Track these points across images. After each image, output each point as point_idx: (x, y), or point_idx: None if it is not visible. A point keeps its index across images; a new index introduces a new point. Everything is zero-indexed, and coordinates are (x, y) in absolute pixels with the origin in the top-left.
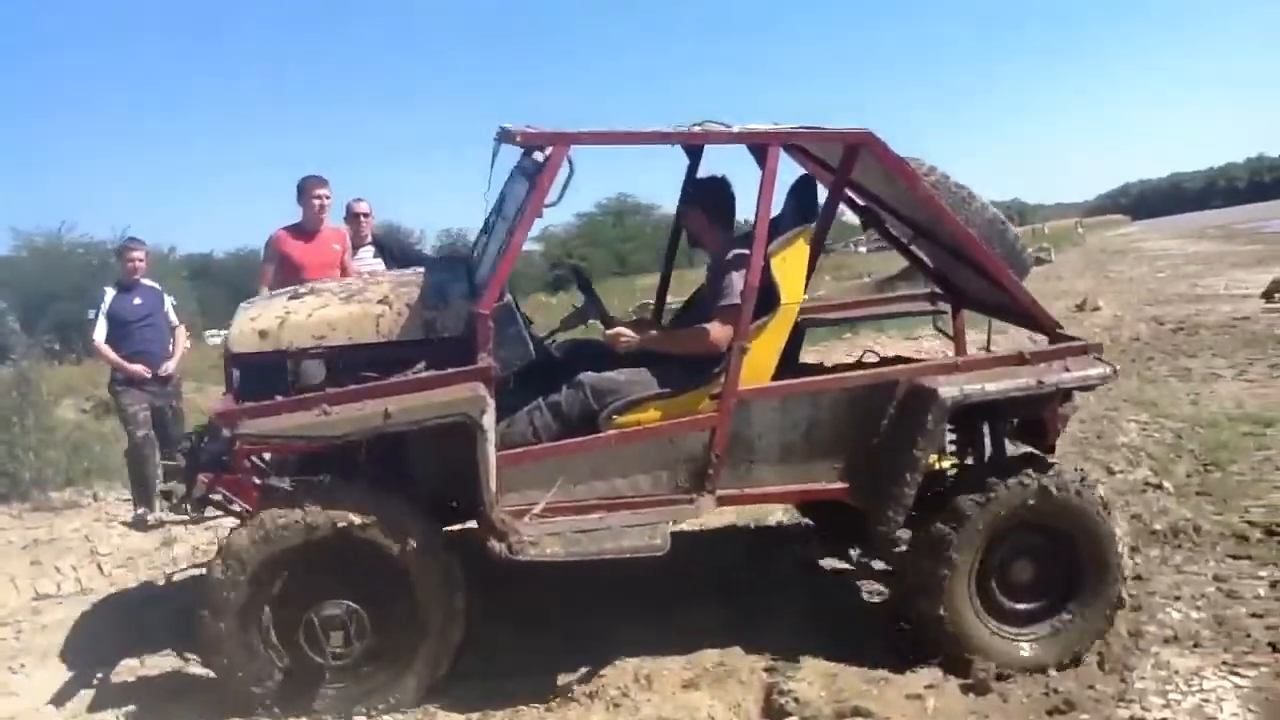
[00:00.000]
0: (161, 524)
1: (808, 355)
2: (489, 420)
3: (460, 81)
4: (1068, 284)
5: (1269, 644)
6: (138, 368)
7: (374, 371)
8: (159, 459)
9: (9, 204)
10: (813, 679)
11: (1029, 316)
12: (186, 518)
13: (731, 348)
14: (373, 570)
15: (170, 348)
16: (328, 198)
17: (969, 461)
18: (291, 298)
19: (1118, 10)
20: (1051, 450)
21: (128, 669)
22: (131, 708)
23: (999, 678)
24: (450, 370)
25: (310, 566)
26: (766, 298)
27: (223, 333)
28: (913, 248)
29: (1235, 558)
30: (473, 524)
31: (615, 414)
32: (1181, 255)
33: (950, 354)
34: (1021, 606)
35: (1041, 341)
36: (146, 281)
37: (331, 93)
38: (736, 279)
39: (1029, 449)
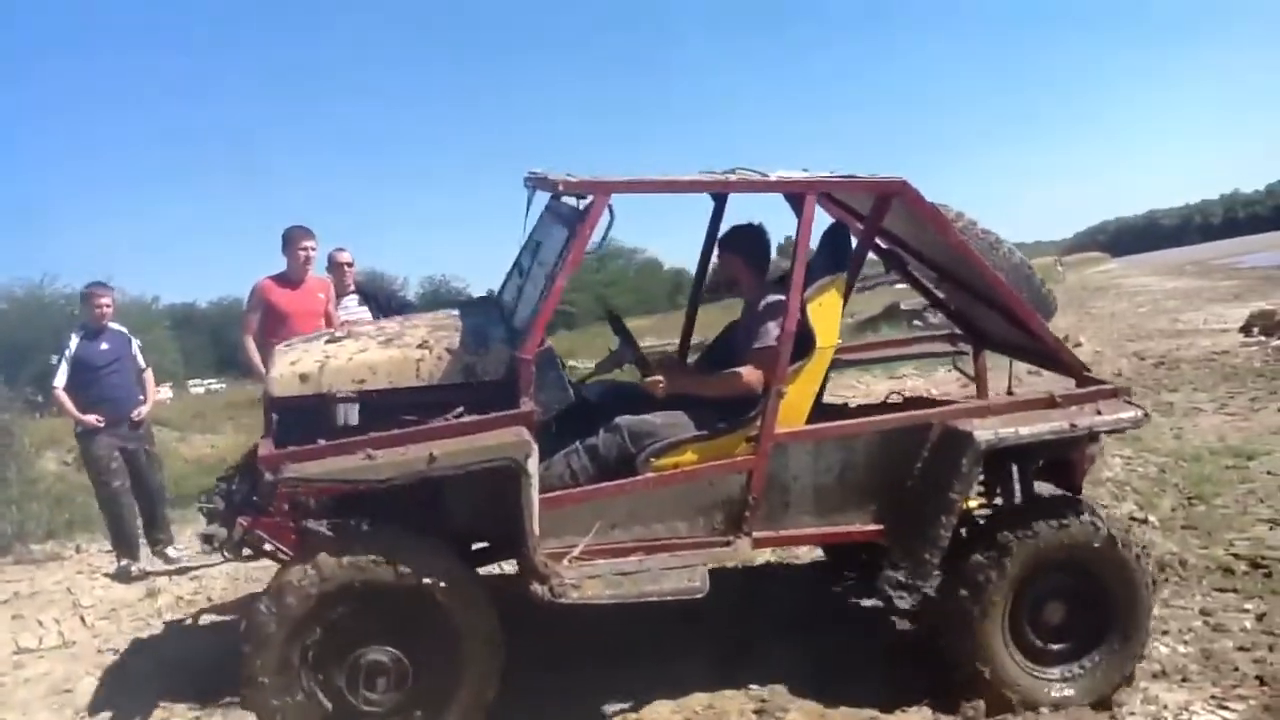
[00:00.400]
0: (145, 575)
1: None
2: (533, 465)
3: (436, 126)
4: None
5: (1256, 677)
6: (91, 417)
7: (411, 414)
8: (138, 507)
9: None
10: (802, 719)
11: (1055, 360)
12: (205, 562)
13: (767, 390)
14: (415, 617)
15: (138, 392)
16: (313, 249)
17: (999, 502)
18: (329, 341)
19: (1093, 51)
20: (1078, 491)
21: None
22: None
23: (988, 716)
24: (493, 415)
25: (353, 611)
26: (802, 342)
27: (205, 382)
28: (933, 290)
29: (1221, 590)
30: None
31: (653, 457)
32: (1160, 291)
33: (971, 394)
34: (1053, 647)
35: (1068, 384)
36: (114, 326)
37: (310, 141)
38: (772, 324)
39: (1057, 490)
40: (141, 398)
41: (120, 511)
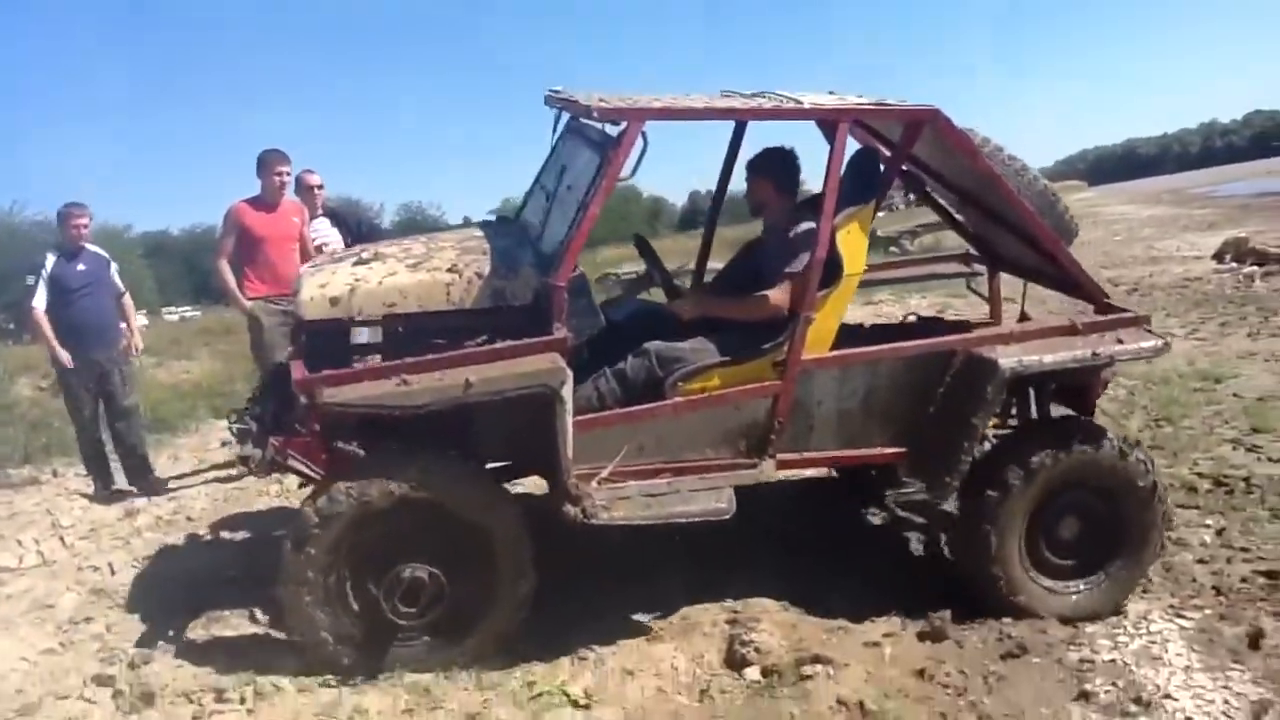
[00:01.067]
0: (121, 495)
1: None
2: (567, 391)
3: (414, 50)
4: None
5: (1213, 588)
6: (64, 355)
7: (439, 338)
8: (115, 429)
9: None
10: (773, 630)
11: (1076, 285)
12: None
13: (795, 316)
14: (451, 536)
15: (117, 316)
16: (288, 174)
17: (1016, 424)
18: (357, 263)
19: None
20: (1091, 413)
21: (91, 634)
22: (97, 671)
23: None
24: (527, 341)
25: (389, 528)
26: (830, 269)
27: (179, 309)
28: (952, 212)
29: (1184, 507)
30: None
31: (680, 381)
32: (1137, 219)
33: (984, 315)
34: (1068, 561)
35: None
36: (91, 247)
37: (284, 65)
38: (803, 249)
39: (1071, 412)
40: (123, 324)
41: (94, 436)
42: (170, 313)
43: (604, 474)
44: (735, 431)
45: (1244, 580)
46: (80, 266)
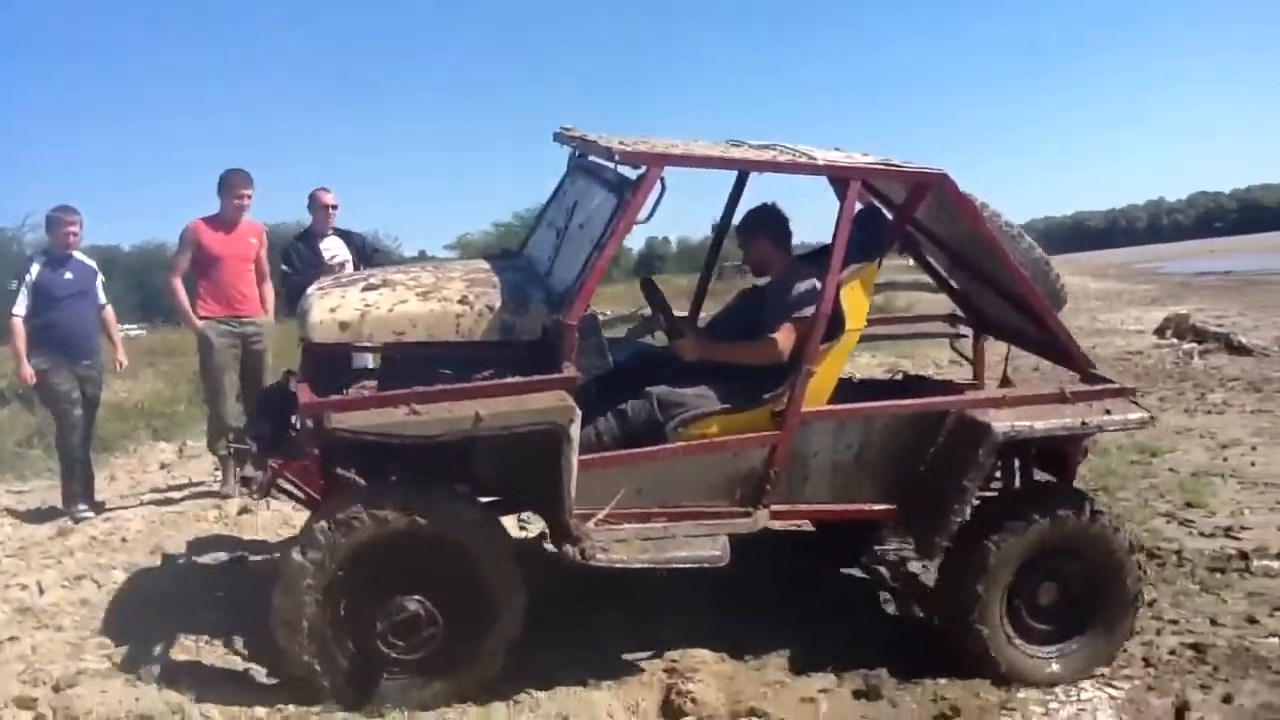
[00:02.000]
0: (84, 518)
1: None
2: (575, 430)
3: (372, 76)
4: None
5: (1143, 659)
6: (28, 371)
7: (444, 368)
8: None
9: None
10: (711, 681)
11: (1065, 354)
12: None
13: (796, 367)
14: (445, 568)
15: (97, 329)
16: (250, 197)
17: (1001, 488)
18: (366, 288)
19: (1022, 52)
20: (1071, 479)
21: (15, 654)
22: (19, 693)
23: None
24: (537, 378)
25: (383, 560)
26: (832, 323)
27: (125, 327)
28: (941, 272)
29: None
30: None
31: (681, 426)
32: (1083, 291)
33: (965, 375)
34: (1046, 627)
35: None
36: (79, 256)
37: (243, 89)
38: (804, 299)
39: (1051, 479)
40: (104, 338)
41: (74, 451)
42: (121, 330)
43: (601, 515)
44: (732, 479)
45: (1172, 652)
46: (67, 275)
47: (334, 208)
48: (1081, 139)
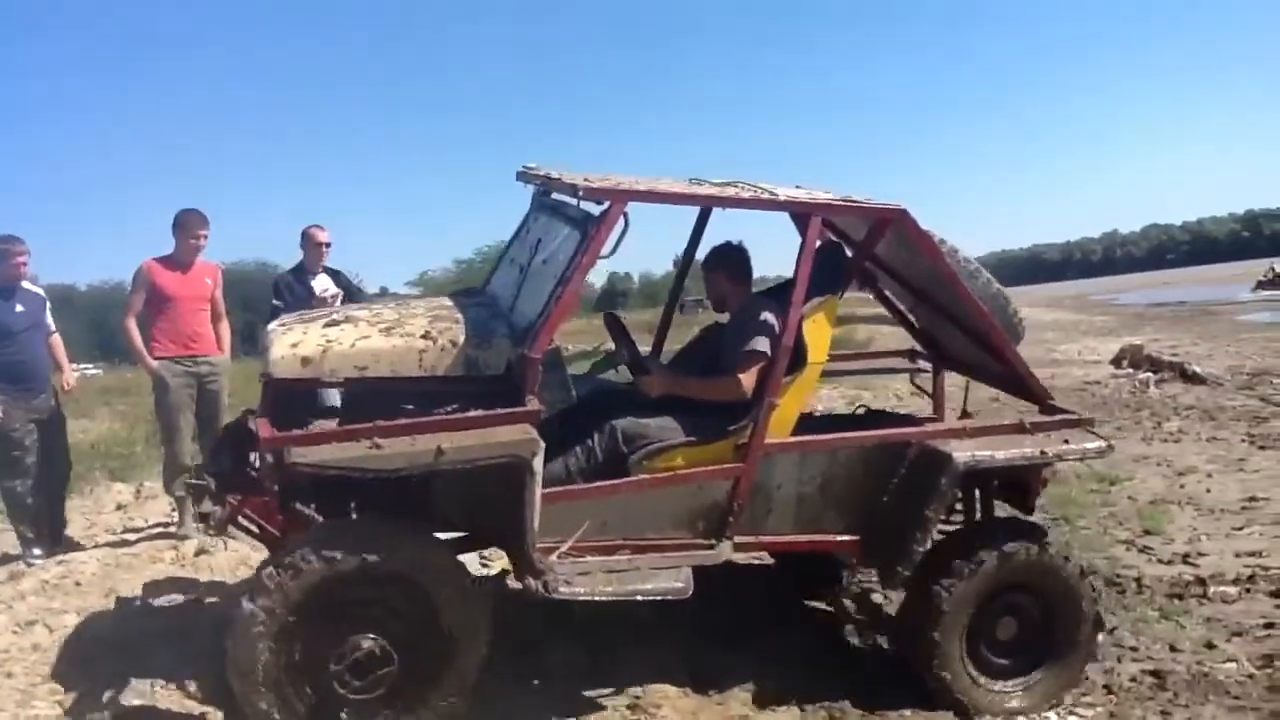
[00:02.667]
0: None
1: None
2: (539, 463)
3: (321, 109)
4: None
5: (1104, 686)
6: None
7: (406, 403)
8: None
9: None
10: (674, 716)
11: (1023, 387)
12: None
13: (760, 401)
14: (398, 605)
15: (49, 359)
16: (206, 238)
17: (962, 520)
18: (328, 324)
19: (980, 85)
20: (1031, 511)
21: None
22: None
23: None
24: (500, 411)
25: (337, 600)
26: (795, 357)
27: (82, 366)
28: (900, 307)
29: None
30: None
31: (644, 459)
32: (1039, 323)
33: (924, 409)
34: (1005, 660)
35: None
36: (28, 285)
37: (199, 119)
38: (764, 333)
39: (1013, 512)
40: (57, 367)
41: (30, 489)
42: (73, 369)
43: (565, 548)
44: (696, 511)
45: (1133, 679)
46: (19, 307)
47: (327, 245)
48: (1036, 172)
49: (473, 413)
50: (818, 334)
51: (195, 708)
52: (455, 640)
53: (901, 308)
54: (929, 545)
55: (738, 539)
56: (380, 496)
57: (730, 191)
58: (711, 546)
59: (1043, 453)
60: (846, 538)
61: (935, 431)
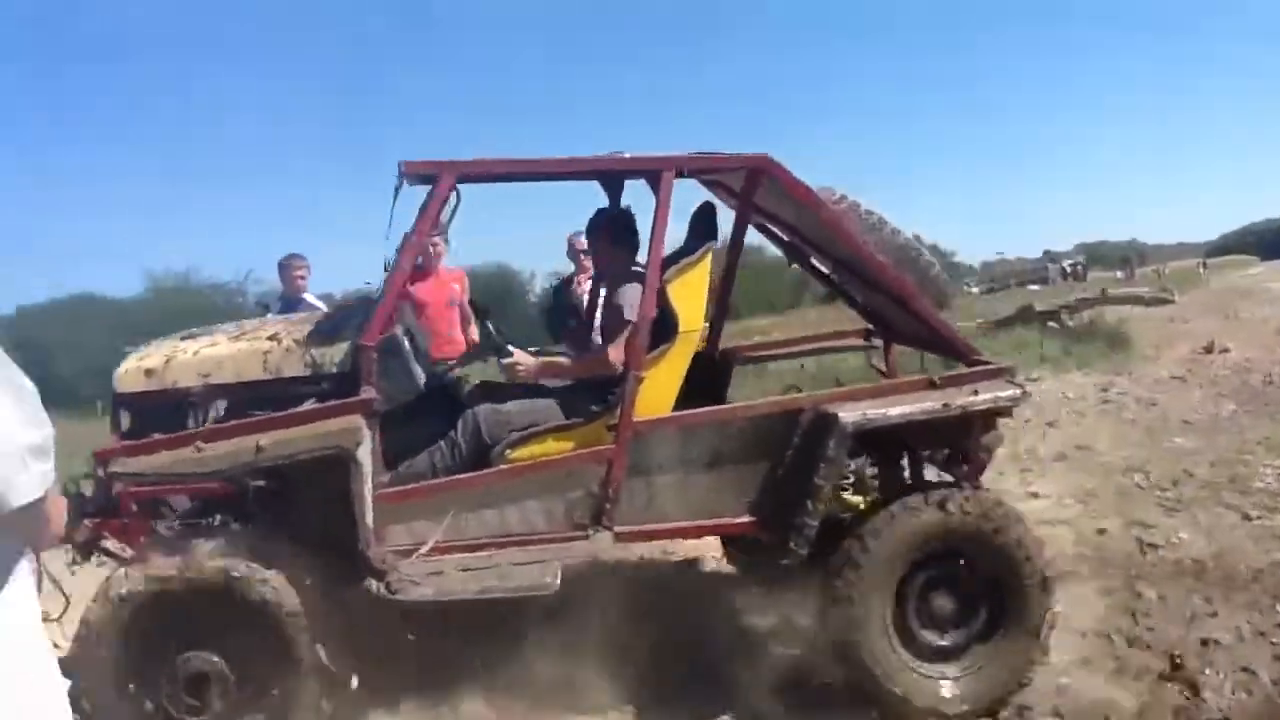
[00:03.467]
0: None
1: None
2: (364, 453)
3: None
4: (1193, 326)
5: None
6: None
7: (270, 410)
8: None
9: None
10: None
11: (946, 343)
12: None
13: (625, 376)
14: (231, 620)
15: None
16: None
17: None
18: (184, 338)
19: (1240, 52)
20: (976, 479)
21: None
22: None
23: None
24: (330, 404)
25: (173, 616)
26: (664, 326)
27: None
28: (838, 282)
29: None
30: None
31: (509, 448)
32: None
33: None
34: (941, 642)
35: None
36: (309, 298)
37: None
38: (632, 299)
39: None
40: None
41: None
42: None
43: (424, 549)
44: (569, 501)
45: None
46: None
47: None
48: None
49: (304, 408)
50: (688, 298)
51: None
52: (293, 656)
53: (831, 277)
54: (820, 517)
55: (619, 529)
56: (255, 511)
57: (571, 159)
58: (587, 537)
59: (945, 405)
60: (745, 519)
61: (828, 395)
